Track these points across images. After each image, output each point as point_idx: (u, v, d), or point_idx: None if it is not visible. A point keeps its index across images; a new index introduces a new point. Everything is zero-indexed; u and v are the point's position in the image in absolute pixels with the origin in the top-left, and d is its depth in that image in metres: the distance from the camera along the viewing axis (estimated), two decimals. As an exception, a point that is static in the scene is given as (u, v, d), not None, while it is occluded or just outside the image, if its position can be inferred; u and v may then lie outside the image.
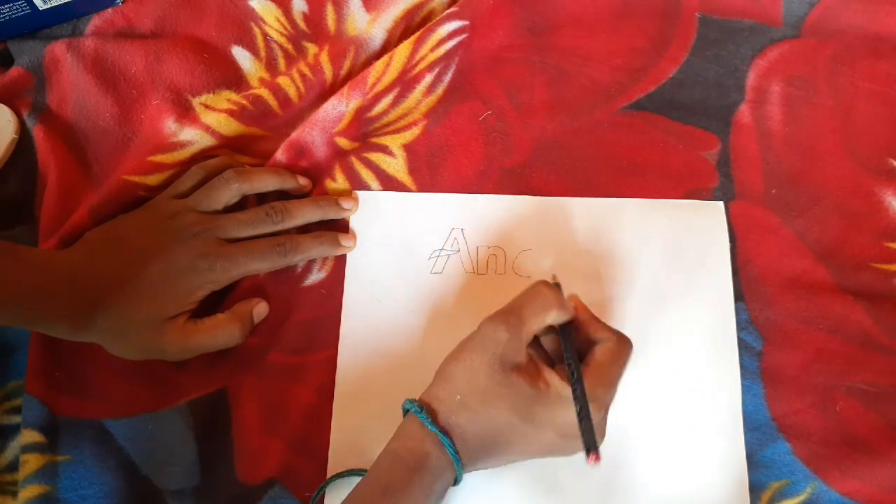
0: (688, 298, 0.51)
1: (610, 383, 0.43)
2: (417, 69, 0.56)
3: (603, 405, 0.43)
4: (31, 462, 0.48)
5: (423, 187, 0.54)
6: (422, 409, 0.42)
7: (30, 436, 0.48)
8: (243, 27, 0.58)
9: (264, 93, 0.55)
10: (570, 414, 0.41)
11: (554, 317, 0.44)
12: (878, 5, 0.58)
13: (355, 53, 0.57)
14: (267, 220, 0.51)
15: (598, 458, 0.39)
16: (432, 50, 0.56)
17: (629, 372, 0.46)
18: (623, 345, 0.44)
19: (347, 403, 0.49)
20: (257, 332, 0.51)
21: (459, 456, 0.42)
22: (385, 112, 0.56)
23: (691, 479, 0.48)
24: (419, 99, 0.57)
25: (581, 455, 0.45)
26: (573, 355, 0.43)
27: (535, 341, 0.46)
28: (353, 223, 0.54)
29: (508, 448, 0.43)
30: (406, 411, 0.44)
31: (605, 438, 0.44)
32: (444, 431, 0.42)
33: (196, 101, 0.56)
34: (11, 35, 0.58)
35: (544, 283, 0.45)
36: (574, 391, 0.41)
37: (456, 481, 0.43)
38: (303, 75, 0.56)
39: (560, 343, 0.45)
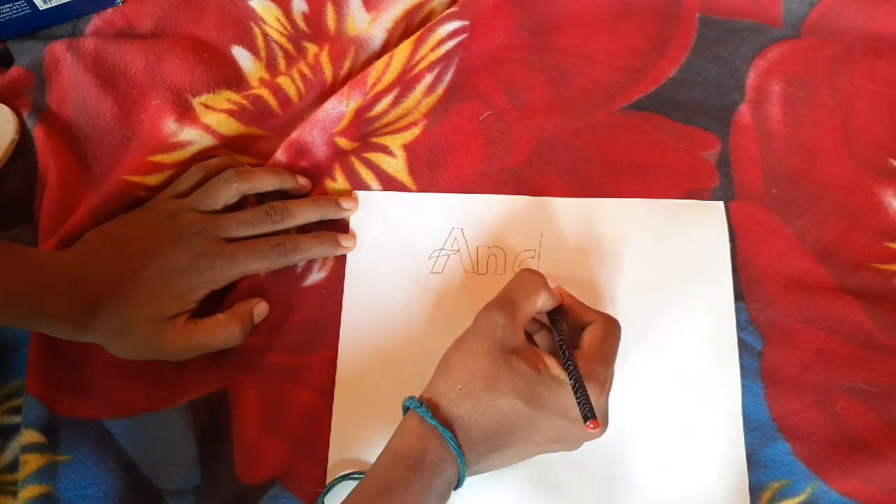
0: (688, 298, 0.51)
1: (604, 360, 0.43)
2: (417, 69, 0.56)
3: (600, 384, 0.42)
4: (31, 462, 0.48)
5: (423, 187, 0.54)
6: (421, 404, 0.42)
7: (30, 436, 0.48)
8: (243, 27, 0.58)
9: (264, 93, 0.55)
10: (571, 395, 0.41)
11: (543, 299, 0.45)
12: (878, 5, 0.58)
13: (355, 53, 0.57)
14: (267, 220, 0.51)
15: (597, 424, 0.39)
16: (432, 50, 0.56)
17: (629, 371, 0.46)
18: (611, 323, 0.45)
19: (347, 403, 0.49)
20: (257, 332, 0.51)
21: (463, 450, 0.41)
22: (385, 112, 0.56)
23: (691, 479, 0.48)
24: (419, 99, 0.57)
25: (581, 455, 0.46)
26: (564, 335, 0.44)
27: (529, 339, 0.46)
28: (353, 223, 0.54)
29: (514, 437, 0.42)
30: (406, 409, 0.44)
31: (606, 438, 0.44)
32: (446, 425, 0.41)
33: (196, 101, 0.56)
34: (11, 35, 0.58)
35: (529, 270, 0.46)
36: (567, 367, 0.42)
37: (459, 482, 0.42)
38: (303, 75, 0.56)
39: (553, 337, 0.46)
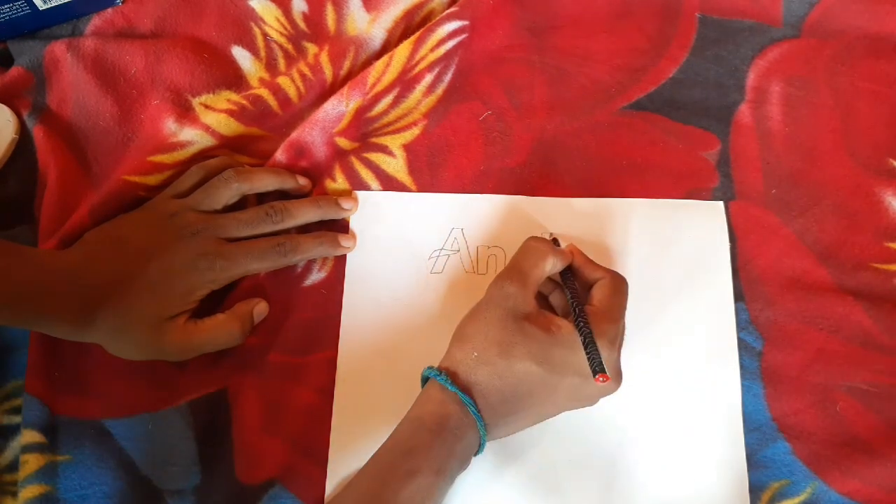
0: (688, 298, 0.51)
1: (613, 317, 0.45)
2: (417, 69, 0.56)
3: (610, 340, 0.43)
4: (31, 462, 0.48)
5: (423, 187, 0.54)
6: (441, 373, 0.43)
7: (30, 436, 0.48)
8: (243, 27, 0.58)
9: (264, 93, 0.55)
10: (583, 352, 0.42)
11: (551, 264, 0.46)
12: (878, 5, 0.58)
13: (355, 53, 0.57)
14: (267, 220, 0.51)
15: (606, 378, 0.40)
16: (432, 50, 0.56)
17: (629, 371, 0.46)
18: (618, 280, 0.47)
19: (347, 403, 0.49)
20: (257, 332, 0.51)
21: (482, 415, 0.42)
22: (385, 112, 0.56)
23: (691, 479, 0.48)
24: (419, 99, 0.57)
25: (581, 455, 0.46)
26: (574, 292, 0.46)
27: (544, 300, 0.49)
28: (353, 223, 0.54)
29: (531, 399, 0.43)
30: (425, 379, 0.44)
31: (606, 438, 0.44)
32: (465, 391, 0.42)
33: (196, 101, 0.56)
34: (11, 35, 0.58)
35: (534, 237, 0.48)
36: (577, 323, 0.43)
37: (480, 447, 0.43)
38: (303, 75, 0.56)
39: (566, 297, 0.47)
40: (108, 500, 0.48)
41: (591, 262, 0.48)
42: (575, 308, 0.44)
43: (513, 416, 0.44)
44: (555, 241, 0.50)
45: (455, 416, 0.42)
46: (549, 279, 0.48)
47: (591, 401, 0.45)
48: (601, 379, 0.40)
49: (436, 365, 0.45)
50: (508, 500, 0.47)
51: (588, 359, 0.41)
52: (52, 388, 0.49)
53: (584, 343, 0.42)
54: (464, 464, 0.43)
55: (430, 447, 0.41)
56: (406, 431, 0.42)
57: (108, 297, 0.47)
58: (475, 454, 0.44)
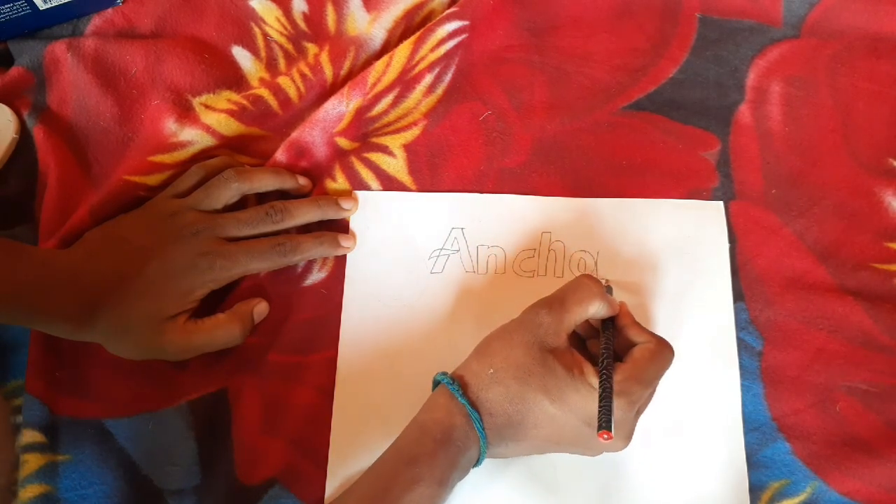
0: (688, 298, 0.51)
1: (643, 381, 0.43)
2: (417, 69, 0.56)
3: (632, 402, 0.42)
4: (31, 462, 0.48)
5: (423, 187, 0.55)
6: (453, 381, 0.43)
7: (30, 436, 0.48)
8: (243, 27, 0.58)
9: (264, 93, 0.55)
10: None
11: (596, 308, 0.45)
12: (878, 5, 0.58)
13: (355, 53, 0.57)
14: (267, 220, 0.51)
15: (610, 436, 0.39)
16: (432, 50, 0.56)
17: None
18: (663, 348, 0.45)
19: (347, 403, 0.49)
20: (257, 331, 0.51)
21: (486, 432, 0.42)
22: (385, 112, 0.56)
23: (691, 479, 0.48)
24: (419, 99, 0.57)
25: (581, 458, 0.46)
26: (608, 344, 0.44)
27: (580, 342, 0.48)
28: (353, 223, 0.54)
29: (535, 431, 0.43)
30: (437, 383, 0.44)
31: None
32: (474, 405, 0.42)
33: (196, 101, 0.56)
34: (11, 35, 0.58)
35: (588, 275, 0.46)
36: (601, 376, 0.42)
37: (479, 461, 0.43)
38: (303, 75, 0.56)
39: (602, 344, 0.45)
40: (108, 500, 0.48)
41: (639, 325, 0.46)
42: (604, 360, 0.43)
43: (514, 442, 0.43)
44: (608, 288, 0.49)
45: (460, 428, 0.42)
46: (591, 325, 0.47)
47: (593, 452, 0.44)
48: (605, 436, 0.39)
49: (447, 369, 0.45)
50: (508, 500, 0.47)
51: (599, 411, 0.40)
52: (52, 387, 0.49)
53: (599, 395, 0.41)
54: (464, 474, 0.43)
55: (433, 457, 0.41)
56: (411, 438, 0.42)
57: (108, 296, 0.47)
58: (474, 466, 0.43)
